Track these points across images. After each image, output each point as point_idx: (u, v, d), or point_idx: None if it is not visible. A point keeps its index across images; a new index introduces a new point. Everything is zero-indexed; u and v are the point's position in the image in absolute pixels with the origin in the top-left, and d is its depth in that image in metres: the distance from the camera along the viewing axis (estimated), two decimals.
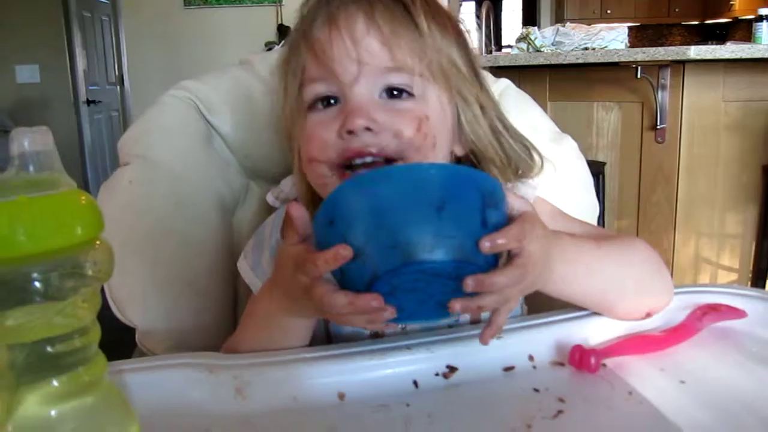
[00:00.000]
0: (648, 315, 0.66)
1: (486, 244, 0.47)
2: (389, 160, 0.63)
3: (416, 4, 0.64)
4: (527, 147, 0.73)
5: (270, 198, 0.82)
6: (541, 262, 0.53)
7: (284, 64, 0.69)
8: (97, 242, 0.40)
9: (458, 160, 0.71)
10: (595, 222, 0.98)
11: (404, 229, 0.47)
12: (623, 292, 0.64)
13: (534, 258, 0.51)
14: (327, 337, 0.70)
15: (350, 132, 0.61)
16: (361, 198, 0.48)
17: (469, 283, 0.47)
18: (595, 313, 0.64)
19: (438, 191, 0.47)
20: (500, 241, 0.48)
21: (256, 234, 0.78)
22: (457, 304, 0.48)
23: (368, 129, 0.61)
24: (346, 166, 0.63)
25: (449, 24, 0.68)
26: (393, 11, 0.63)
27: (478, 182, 0.49)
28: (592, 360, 0.56)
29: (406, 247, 0.46)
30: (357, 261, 0.47)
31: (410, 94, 0.64)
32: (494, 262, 0.50)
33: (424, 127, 0.64)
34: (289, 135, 0.72)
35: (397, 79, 0.64)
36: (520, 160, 0.72)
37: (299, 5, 0.68)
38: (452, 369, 0.57)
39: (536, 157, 0.73)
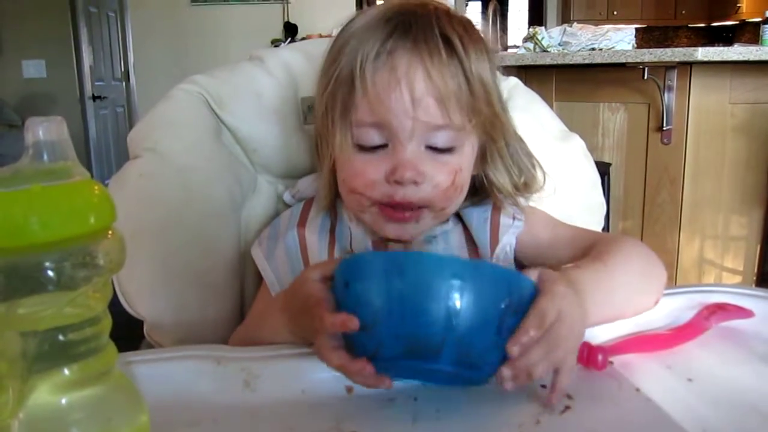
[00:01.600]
0: (656, 302, 0.67)
1: (515, 349, 0.47)
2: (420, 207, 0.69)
3: (466, 48, 0.67)
4: (534, 162, 0.78)
5: (287, 197, 0.85)
6: (576, 316, 0.53)
7: (327, 74, 0.71)
8: (110, 232, 0.40)
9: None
10: (602, 221, 0.98)
11: (414, 325, 0.46)
12: (636, 295, 0.66)
13: (567, 321, 0.51)
14: None
15: (398, 182, 0.67)
16: (381, 278, 0.48)
17: (506, 374, 0.48)
18: None
19: (455, 283, 0.46)
20: (525, 340, 0.48)
21: (272, 225, 0.80)
22: (507, 371, 0.48)
23: (414, 182, 0.67)
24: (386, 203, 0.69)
25: (484, 50, 0.70)
26: (448, 65, 0.66)
27: (508, 286, 0.49)
28: (600, 357, 0.56)
29: (413, 342, 0.46)
30: (363, 333, 0.47)
31: (452, 147, 0.69)
32: (499, 364, 0.48)
33: (458, 179, 0.70)
34: (319, 137, 0.75)
35: (444, 138, 0.68)
36: (528, 173, 0.77)
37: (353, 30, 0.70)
38: None
39: (539, 172, 0.78)
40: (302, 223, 0.78)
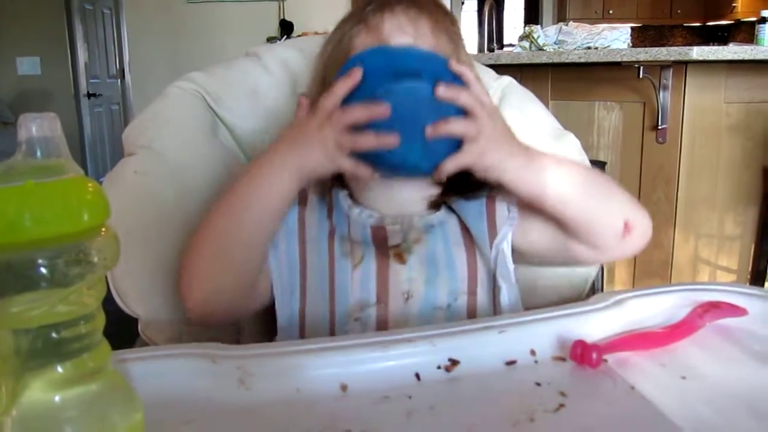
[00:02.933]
0: (628, 229, 0.72)
1: (453, 65, 0.67)
2: None
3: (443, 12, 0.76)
4: None
5: None
6: (498, 132, 0.68)
7: (322, 56, 0.78)
8: (103, 229, 0.40)
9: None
10: None
11: (398, 65, 0.66)
12: (598, 195, 0.74)
13: (489, 110, 0.67)
14: (330, 316, 0.72)
15: None
16: (369, 56, 0.69)
17: (440, 88, 0.64)
18: (597, 309, 0.65)
19: (422, 53, 0.70)
20: (461, 70, 0.67)
21: None
22: (430, 129, 0.63)
23: None
24: None
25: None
26: (437, 13, 0.75)
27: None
28: (594, 355, 0.56)
29: (398, 73, 0.65)
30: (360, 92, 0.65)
31: None
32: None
33: None
34: None
35: None
36: None
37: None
38: (454, 362, 0.57)
39: None
40: (303, 202, 0.78)
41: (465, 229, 0.77)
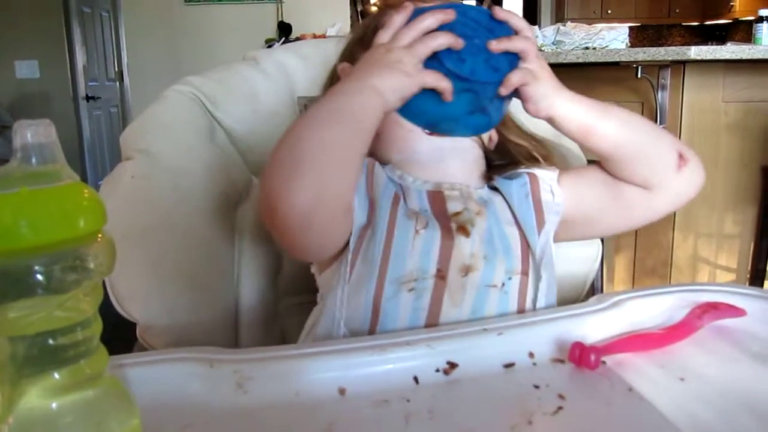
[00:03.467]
0: (682, 158, 0.74)
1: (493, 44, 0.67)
2: None
3: None
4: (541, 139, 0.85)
5: None
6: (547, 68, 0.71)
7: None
8: (100, 235, 0.40)
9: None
10: None
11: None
12: (647, 128, 0.75)
13: (533, 44, 0.69)
14: (380, 276, 0.70)
15: None
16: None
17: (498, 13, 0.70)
18: (595, 311, 0.65)
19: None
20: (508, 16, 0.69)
21: None
22: (493, 42, 0.67)
23: None
24: None
25: None
26: None
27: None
28: (592, 357, 0.56)
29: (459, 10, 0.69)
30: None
31: None
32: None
33: None
34: None
35: None
36: (541, 143, 0.83)
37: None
38: (452, 365, 0.57)
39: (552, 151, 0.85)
40: (371, 160, 0.76)
41: (511, 211, 0.76)
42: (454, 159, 0.76)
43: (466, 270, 0.70)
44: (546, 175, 0.79)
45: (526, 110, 0.71)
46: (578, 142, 0.74)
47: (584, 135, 0.72)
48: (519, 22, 0.70)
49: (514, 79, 0.68)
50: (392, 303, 0.68)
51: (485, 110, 0.71)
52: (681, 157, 0.74)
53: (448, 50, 0.67)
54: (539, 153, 0.81)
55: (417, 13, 0.69)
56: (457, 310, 0.69)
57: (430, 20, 0.67)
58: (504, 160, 0.81)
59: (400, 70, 0.66)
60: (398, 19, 0.68)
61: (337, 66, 0.80)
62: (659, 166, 0.74)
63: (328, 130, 0.63)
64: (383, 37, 0.69)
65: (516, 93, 0.70)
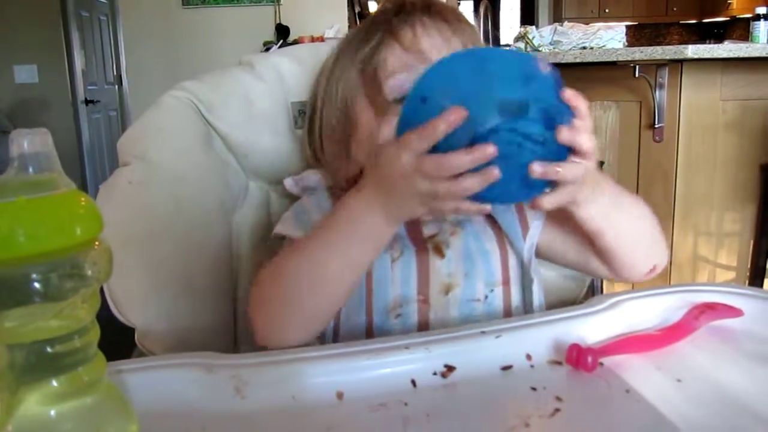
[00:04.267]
0: (652, 271, 0.74)
1: (567, 93, 0.56)
2: None
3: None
4: None
5: (289, 182, 0.83)
6: (595, 175, 0.62)
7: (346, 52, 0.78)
8: (97, 243, 0.40)
9: None
10: None
11: (500, 91, 0.54)
12: (644, 236, 0.73)
13: (591, 160, 0.58)
14: (367, 309, 0.72)
15: None
16: (456, 70, 0.56)
17: (563, 134, 0.54)
18: (593, 312, 0.65)
19: (522, 65, 0.56)
20: (577, 103, 0.56)
21: (292, 208, 0.78)
22: (538, 167, 0.54)
23: None
24: None
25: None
26: (464, 29, 0.75)
27: (548, 65, 0.57)
28: (590, 359, 0.57)
29: (503, 104, 0.53)
30: (456, 129, 0.53)
31: None
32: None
33: None
34: (330, 125, 0.77)
35: None
36: None
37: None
38: (450, 368, 0.57)
39: None
40: (335, 195, 0.77)
41: (491, 221, 0.78)
42: None
43: (447, 289, 0.73)
44: None
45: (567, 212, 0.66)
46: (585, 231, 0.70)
47: (593, 234, 0.69)
48: (582, 105, 0.57)
49: (548, 205, 0.60)
50: (382, 332, 0.71)
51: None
52: (653, 268, 0.75)
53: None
54: None
55: (433, 74, 0.57)
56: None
57: (464, 161, 0.54)
58: None
59: (418, 199, 0.58)
60: (438, 130, 0.54)
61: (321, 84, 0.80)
62: (633, 269, 0.75)
63: (321, 270, 0.63)
64: (415, 145, 0.56)
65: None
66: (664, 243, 0.76)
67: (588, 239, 0.72)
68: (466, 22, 0.77)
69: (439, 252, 0.74)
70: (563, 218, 0.74)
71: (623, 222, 0.70)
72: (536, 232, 0.79)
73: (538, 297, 0.77)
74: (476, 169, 0.54)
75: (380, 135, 0.68)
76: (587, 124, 0.57)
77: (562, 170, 0.56)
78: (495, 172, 0.54)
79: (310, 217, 0.75)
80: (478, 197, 0.57)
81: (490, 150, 0.52)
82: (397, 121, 0.58)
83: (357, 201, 0.62)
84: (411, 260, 0.73)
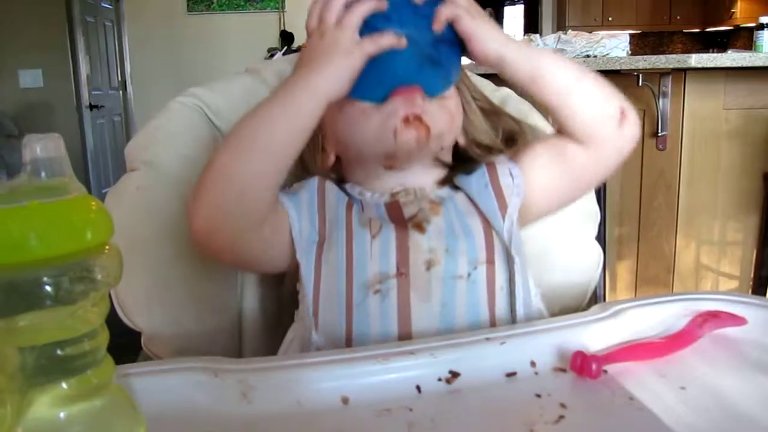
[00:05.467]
0: (623, 114, 0.74)
1: None
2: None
3: None
4: (513, 117, 0.85)
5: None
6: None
7: None
8: (107, 247, 0.40)
9: (457, 148, 0.81)
10: (596, 229, 0.99)
11: None
12: (587, 79, 0.74)
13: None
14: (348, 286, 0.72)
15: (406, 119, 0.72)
16: None
17: None
18: (597, 320, 0.65)
19: None
20: None
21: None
22: None
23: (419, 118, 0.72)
24: None
25: None
26: None
27: None
28: (594, 366, 0.57)
29: None
30: None
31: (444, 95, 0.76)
32: None
33: (455, 121, 0.77)
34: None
35: None
36: (506, 123, 0.83)
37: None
38: (455, 374, 0.57)
39: (515, 123, 0.84)
40: (321, 179, 0.79)
41: (473, 203, 0.77)
42: (411, 173, 0.78)
43: (428, 264, 0.72)
44: (502, 160, 0.80)
45: (473, 52, 0.70)
46: (525, 87, 0.73)
47: (533, 79, 0.72)
48: None
49: (444, 12, 0.68)
50: (362, 307, 0.71)
51: (437, 61, 0.71)
52: (622, 112, 0.75)
53: (373, 15, 0.68)
54: (509, 128, 0.83)
55: None
56: (427, 304, 0.71)
57: (366, 5, 0.67)
58: (465, 162, 0.81)
59: (338, 51, 0.67)
60: (318, 2, 0.69)
61: None
62: (603, 118, 0.75)
63: (252, 134, 0.67)
64: (311, 22, 0.70)
65: (463, 47, 0.71)
66: (622, 96, 0.76)
67: (550, 109, 0.75)
68: None
69: (419, 227, 0.73)
70: (533, 158, 0.78)
71: (562, 68, 0.73)
72: (515, 210, 0.77)
73: (522, 276, 0.75)
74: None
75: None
76: None
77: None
78: (383, 2, 0.68)
79: (297, 193, 0.77)
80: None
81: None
82: None
83: (287, 81, 0.69)
84: (390, 236, 0.72)
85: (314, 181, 0.78)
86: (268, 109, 0.67)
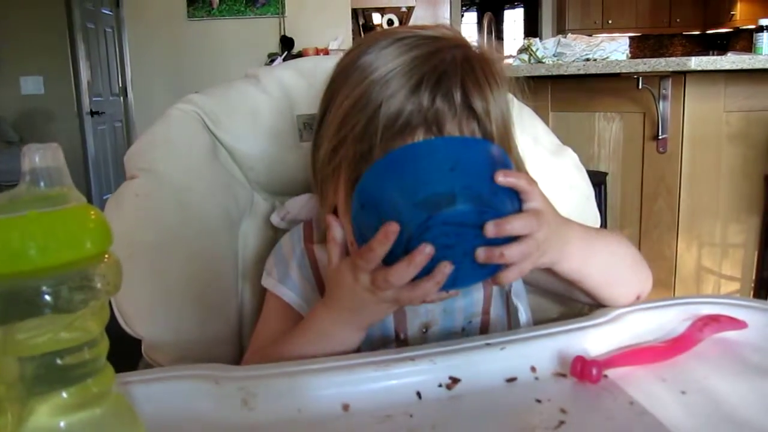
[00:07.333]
0: (638, 298, 0.72)
1: (500, 177, 0.54)
2: None
3: (488, 107, 0.64)
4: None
5: (275, 219, 0.84)
6: (554, 224, 0.60)
7: (343, 119, 0.65)
8: (106, 256, 0.40)
9: None
10: None
11: (424, 188, 0.53)
12: (623, 271, 0.72)
13: (546, 215, 0.58)
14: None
15: None
16: (385, 174, 0.55)
17: (489, 228, 0.53)
18: (597, 324, 0.65)
19: (449, 154, 0.55)
20: (511, 178, 0.55)
21: (274, 253, 0.79)
22: (481, 253, 0.54)
23: None
24: None
25: (502, 87, 0.67)
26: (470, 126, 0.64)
27: (484, 144, 0.59)
28: (594, 371, 0.57)
29: (428, 201, 0.53)
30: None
31: None
32: (510, 208, 0.56)
33: None
34: (320, 173, 0.70)
35: None
36: None
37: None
38: (455, 380, 0.57)
39: None
40: (308, 239, 0.77)
41: None
42: None
43: (426, 327, 0.73)
44: None
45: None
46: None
47: (572, 282, 0.69)
48: (522, 185, 0.56)
49: (512, 277, 0.58)
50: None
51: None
52: (637, 297, 0.73)
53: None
54: None
55: (367, 179, 0.56)
56: None
57: (406, 272, 0.54)
58: None
59: (381, 307, 0.61)
60: (379, 249, 0.54)
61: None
62: (617, 301, 0.72)
63: None
64: (363, 265, 0.57)
65: None
66: (645, 269, 0.73)
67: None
68: (497, 87, 0.66)
69: None
70: None
71: (600, 264, 0.68)
72: None
73: (526, 320, 0.76)
74: (430, 267, 0.54)
75: (331, 258, 0.63)
76: (531, 196, 0.57)
77: (508, 252, 0.55)
78: (445, 270, 0.54)
79: (287, 269, 0.76)
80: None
81: (426, 251, 0.53)
82: (351, 223, 0.59)
83: (325, 316, 0.65)
84: None
85: (299, 248, 0.77)
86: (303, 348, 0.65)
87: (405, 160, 0.55)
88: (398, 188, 0.54)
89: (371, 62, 0.64)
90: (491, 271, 0.57)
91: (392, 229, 0.53)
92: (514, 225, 0.54)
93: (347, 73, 0.66)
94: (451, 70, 0.62)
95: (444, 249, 0.54)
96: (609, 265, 0.70)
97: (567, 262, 0.64)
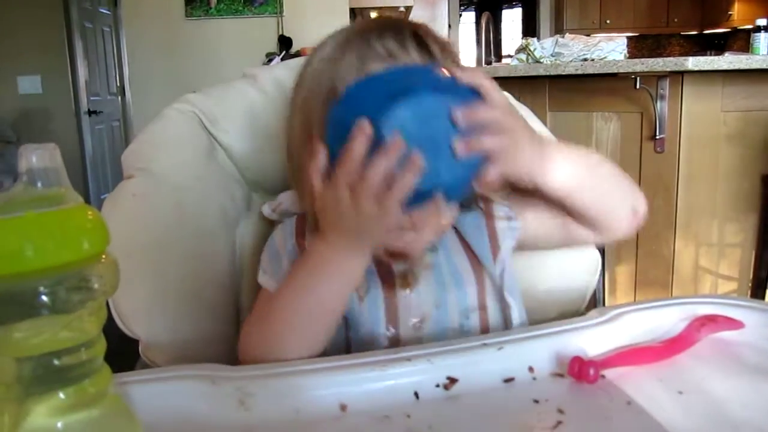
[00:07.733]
0: (635, 216, 0.74)
1: (457, 72, 0.60)
2: None
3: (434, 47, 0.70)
4: None
5: (266, 210, 0.84)
6: (524, 123, 0.64)
7: (306, 90, 0.74)
8: (103, 257, 0.40)
9: None
10: None
11: (387, 90, 0.58)
12: (612, 184, 0.73)
13: (511, 108, 0.63)
14: (346, 344, 0.72)
15: None
16: (354, 97, 0.61)
17: (458, 114, 0.57)
18: (594, 324, 0.65)
19: (409, 71, 0.64)
20: (469, 74, 0.61)
21: (267, 247, 0.79)
22: (459, 144, 0.57)
23: None
24: None
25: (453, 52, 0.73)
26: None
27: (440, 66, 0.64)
28: (591, 371, 0.57)
29: (394, 97, 0.57)
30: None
31: None
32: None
33: None
34: (296, 166, 0.74)
35: None
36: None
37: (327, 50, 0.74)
38: (452, 380, 0.57)
39: None
40: (300, 234, 0.77)
41: (465, 242, 0.77)
42: None
43: (419, 321, 0.73)
44: (503, 210, 0.80)
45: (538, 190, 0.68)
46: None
47: (560, 200, 0.70)
48: (473, 76, 0.61)
49: (492, 175, 0.61)
50: (357, 332, 0.72)
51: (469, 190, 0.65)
52: (634, 214, 0.74)
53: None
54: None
55: (369, 84, 0.62)
56: None
57: (382, 165, 0.56)
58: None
59: (374, 226, 0.60)
60: (356, 152, 0.57)
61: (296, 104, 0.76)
62: (615, 223, 0.74)
63: (303, 311, 0.65)
64: (345, 175, 0.58)
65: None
66: (636, 186, 0.75)
67: (561, 210, 0.74)
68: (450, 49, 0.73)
69: (407, 284, 0.73)
70: (534, 204, 0.76)
71: (587, 178, 0.70)
72: (508, 252, 0.78)
73: (522, 321, 0.77)
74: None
75: (313, 185, 0.63)
76: (489, 94, 0.61)
77: (485, 139, 0.58)
78: (417, 161, 0.56)
79: (281, 262, 0.76)
80: (424, 195, 0.58)
81: (396, 143, 0.56)
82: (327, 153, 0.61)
83: (323, 247, 0.65)
84: (378, 296, 0.72)
85: (291, 243, 0.76)
86: (298, 292, 0.66)
87: (368, 83, 0.62)
88: (365, 103, 0.58)
89: (326, 44, 0.75)
90: (474, 167, 0.60)
91: (364, 124, 0.56)
92: (481, 111, 0.58)
93: (307, 63, 0.76)
94: (403, 24, 0.71)
95: (420, 145, 0.56)
96: (597, 176, 0.72)
97: (551, 176, 0.66)
